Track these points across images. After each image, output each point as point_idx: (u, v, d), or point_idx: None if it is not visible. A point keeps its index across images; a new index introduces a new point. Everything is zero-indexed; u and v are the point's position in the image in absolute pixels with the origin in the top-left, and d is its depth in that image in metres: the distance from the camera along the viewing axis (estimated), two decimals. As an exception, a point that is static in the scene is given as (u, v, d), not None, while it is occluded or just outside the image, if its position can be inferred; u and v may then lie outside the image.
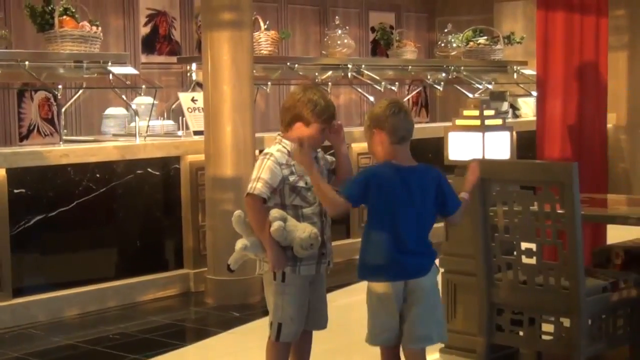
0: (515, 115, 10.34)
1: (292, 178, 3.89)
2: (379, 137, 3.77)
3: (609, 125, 9.44)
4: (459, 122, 4.89)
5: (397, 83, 9.29)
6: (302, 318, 3.98)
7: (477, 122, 4.78)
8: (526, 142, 8.93)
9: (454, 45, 10.15)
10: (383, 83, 8.77)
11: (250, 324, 5.93)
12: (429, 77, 9.67)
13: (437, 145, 5.24)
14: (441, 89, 9.72)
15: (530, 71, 9.92)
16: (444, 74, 9.72)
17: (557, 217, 4.12)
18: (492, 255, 4.34)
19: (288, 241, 3.85)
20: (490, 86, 9.97)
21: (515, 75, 10.36)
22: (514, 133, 8.94)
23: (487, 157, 4.69)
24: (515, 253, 4.26)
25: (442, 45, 10.28)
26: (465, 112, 4.89)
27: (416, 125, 8.41)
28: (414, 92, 10.81)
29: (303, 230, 3.83)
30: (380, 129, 3.76)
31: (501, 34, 10.49)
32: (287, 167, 3.89)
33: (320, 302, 4.06)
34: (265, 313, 6.22)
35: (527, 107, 10.34)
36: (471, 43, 10.27)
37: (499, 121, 4.91)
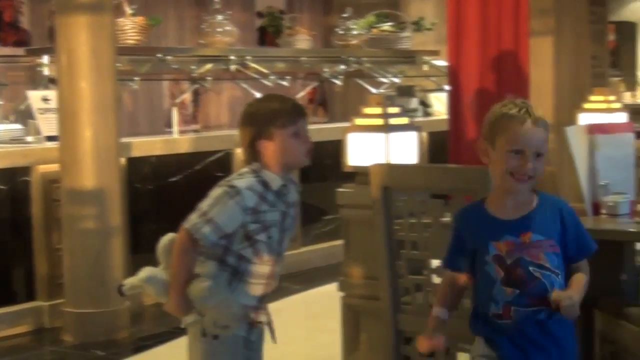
0: (427, 113, 10.51)
1: (253, 227, 3.54)
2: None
3: (533, 124, 9.69)
4: (359, 121, 4.97)
5: (288, 77, 9.35)
6: None
7: (380, 122, 4.87)
8: (439, 144, 9.11)
9: (355, 32, 10.26)
10: (272, 77, 8.81)
11: (118, 365, 5.92)
12: (326, 70, 9.76)
13: (337, 149, 5.31)
14: (340, 83, 9.82)
15: (442, 62, 10.11)
16: (343, 66, 9.82)
17: (472, 229, 4.20)
18: (398, 275, 4.40)
19: (202, 305, 3.57)
20: (397, 80, 10.11)
21: (425, 67, 10.53)
22: (424, 134, 9.18)
23: (392, 161, 4.78)
24: (425, 272, 4.34)
25: (341, 32, 10.39)
26: (367, 111, 4.97)
27: (313, 126, 8.51)
28: (308, 88, 10.88)
29: (228, 306, 3.54)
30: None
31: (409, 19, 10.66)
32: (253, 214, 3.53)
33: None
34: (136, 350, 6.25)
35: (440, 104, 10.54)
36: (374, 30, 10.40)
37: (405, 120, 5.01)
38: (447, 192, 4.35)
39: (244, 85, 9.19)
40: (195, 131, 9.32)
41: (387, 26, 10.44)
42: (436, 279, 4.33)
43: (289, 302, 7.33)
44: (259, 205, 3.52)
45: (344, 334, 5.03)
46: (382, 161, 4.72)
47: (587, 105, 6.80)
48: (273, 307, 7.20)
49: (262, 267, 3.58)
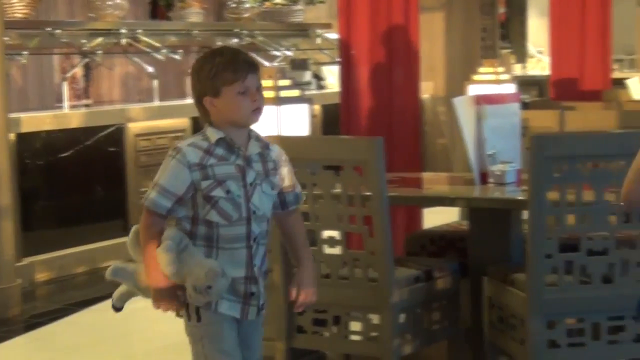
0: (320, 86, 10.57)
1: (205, 184, 3.27)
2: None
3: (425, 96, 9.85)
4: (249, 94, 4.99)
5: (181, 51, 9.33)
6: None
7: (271, 94, 4.92)
8: (334, 117, 9.18)
9: (247, 5, 10.27)
10: (164, 51, 8.78)
11: (8, 343, 5.86)
12: (219, 43, 9.74)
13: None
14: (233, 57, 9.81)
15: (335, 35, 10.17)
16: (236, 40, 9.83)
17: (362, 200, 4.28)
18: (290, 246, 4.45)
19: (179, 276, 3.25)
20: (290, 53, 10.15)
21: (318, 40, 10.59)
22: (317, 106, 9.25)
23: (284, 133, 4.83)
24: (317, 243, 4.40)
25: (233, 6, 10.38)
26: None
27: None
28: (202, 62, 10.85)
29: (202, 266, 3.22)
30: None
31: (302, -8, 10.70)
32: (201, 169, 3.27)
33: None
34: (28, 328, 6.20)
35: (334, 77, 10.61)
36: (267, 3, 10.42)
37: (296, 93, 5.07)
38: (338, 163, 4.41)
39: (136, 59, 9.14)
40: (87, 106, 9.24)
41: (279, -1, 10.48)
42: (328, 249, 4.41)
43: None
44: (205, 159, 3.27)
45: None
46: (274, 133, 4.77)
47: (476, 77, 6.93)
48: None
49: (235, 229, 3.30)
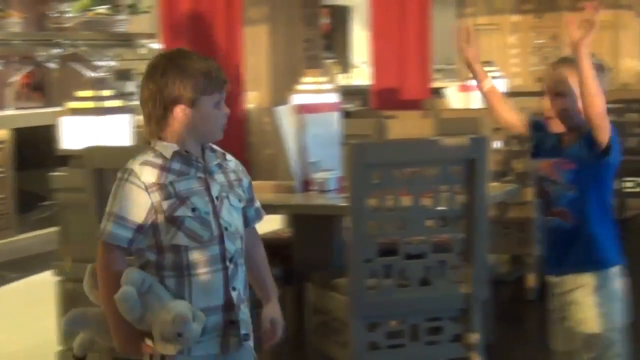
0: (146, 97, 10.52)
1: (166, 204, 2.90)
2: None
3: (251, 106, 9.93)
4: (72, 105, 5.00)
5: (1, 61, 9.16)
6: None
7: (92, 105, 4.91)
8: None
9: (69, 15, 10.16)
10: (-17, 61, 8.62)
11: None
12: (40, 53, 9.61)
13: (54, 134, 5.33)
14: (56, 67, 9.70)
15: (159, 45, 10.15)
16: (58, 50, 9.71)
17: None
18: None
19: (144, 323, 2.87)
20: (114, 63, 10.07)
21: (143, 51, 10.54)
22: (139, 116, 9.17)
23: (105, 143, 4.83)
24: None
25: (55, 15, 10.24)
26: (79, 94, 5.02)
27: (29, 111, 8.32)
28: (23, 72, 10.68)
29: (168, 311, 2.82)
30: None
31: (124, 2, 10.62)
32: (160, 189, 2.90)
33: None
34: None
35: (157, 87, 10.58)
36: (90, 13, 10.32)
37: (118, 103, 5.08)
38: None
39: (-46, 70, 8.95)
40: None
41: (102, 9, 10.38)
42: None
43: (6, 291, 7.22)
44: (162, 177, 2.90)
45: (59, 318, 5.03)
46: (95, 144, 4.76)
47: (299, 87, 7.05)
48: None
49: (208, 250, 2.93)
